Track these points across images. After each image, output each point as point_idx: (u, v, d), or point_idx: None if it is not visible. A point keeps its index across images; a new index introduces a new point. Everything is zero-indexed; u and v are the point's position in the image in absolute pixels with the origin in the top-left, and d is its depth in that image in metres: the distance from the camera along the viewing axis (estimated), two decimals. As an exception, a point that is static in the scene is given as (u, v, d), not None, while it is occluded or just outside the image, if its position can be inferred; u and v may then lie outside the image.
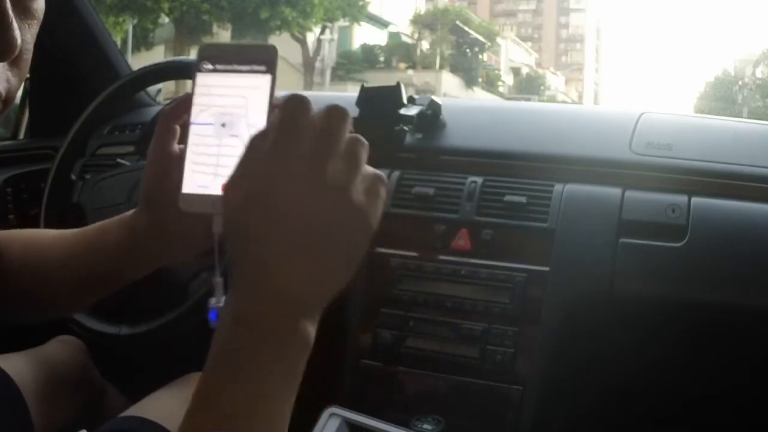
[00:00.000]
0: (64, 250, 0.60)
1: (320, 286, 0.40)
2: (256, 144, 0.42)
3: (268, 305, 0.39)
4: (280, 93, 0.49)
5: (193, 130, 0.51)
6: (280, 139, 0.40)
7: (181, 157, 0.52)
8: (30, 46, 0.39)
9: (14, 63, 0.38)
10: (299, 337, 0.39)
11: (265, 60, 0.50)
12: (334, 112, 0.41)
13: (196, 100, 0.52)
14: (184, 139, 0.52)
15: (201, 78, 0.52)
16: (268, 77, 0.50)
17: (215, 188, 0.50)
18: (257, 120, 0.50)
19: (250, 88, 0.50)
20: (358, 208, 0.40)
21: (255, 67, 0.50)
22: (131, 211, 0.58)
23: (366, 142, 0.42)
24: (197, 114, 0.51)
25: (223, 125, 0.51)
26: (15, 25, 0.34)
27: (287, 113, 0.41)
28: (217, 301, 0.52)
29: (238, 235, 0.40)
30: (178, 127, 0.55)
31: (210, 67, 0.52)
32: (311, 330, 0.40)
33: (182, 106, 0.53)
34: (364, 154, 0.42)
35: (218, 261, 0.54)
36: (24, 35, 0.37)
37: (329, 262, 0.40)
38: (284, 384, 0.39)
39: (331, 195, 0.39)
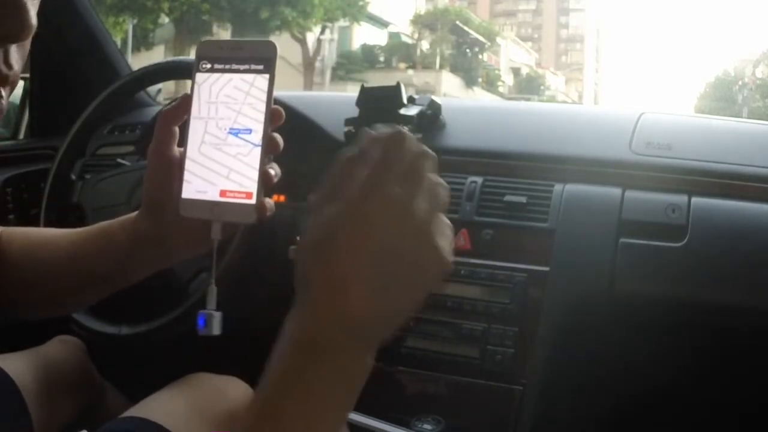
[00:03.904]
0: (68, 248, 0.60)
1: (388, 318, 0.40)
2: (351, 164, 0.42)
3: (337, 330, 0.39)
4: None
5: (192, 133, 0.50)
6: (380, 169, 0.41)
7: (181, 160, 0.51)
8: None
9: (20, 45, 0.38)
10: (361, 366, 0.40)
11: (263, 58, 0.49)
12: (424, 154, 0.43)
13: (195, 101, 0.51)
14: (183, 142, 0.51)
15: (200, 78, 0.51)
16: (265, 77, 0.49)
17: (214, 193, 0.49)
18: (255, 122, 0.49)
19: (248, 89, 0.49)
20: (437, 248, 0.41)
21: (253, 67, 0.49)
22: (134, 213, 0.57)
23: (446, 185, 0.43)
24: (196, 115, 0.51)
25: (222, 127, 0.50)
26: (29, 6, 0.35)
27: (392, 147, 0.42)
28: (210, 308, 0.51)
29: (318, 251, 0.40)
30: (177, 129, 0.54)
31: (208, 66, 0.51)
32: (371, 359, 0.40)
33: (181, 107, 0.52)
34: (446, 196, 0.43)
35: (214, 267, 0.53)
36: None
37: (402, 295, 0.40)
38: (340, 409, 0.40)
39: (416, 232, 0.40)
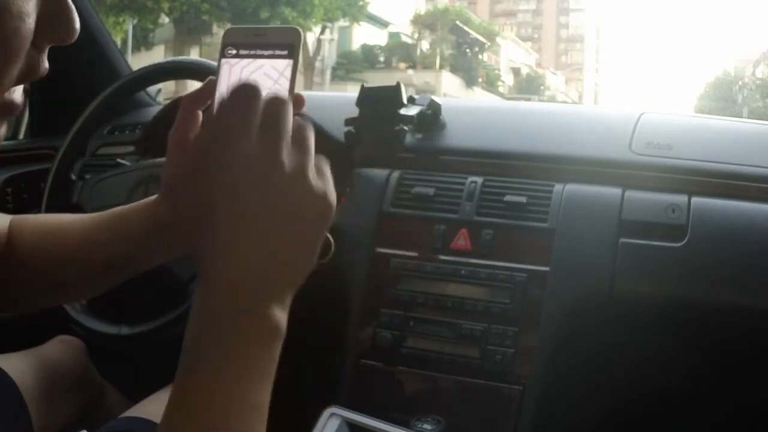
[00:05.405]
0: (81, 233, 0.59)
1: (281, 271, 0.40)
2: (210, 131, 0.43)
3: (224, 293, 0.39)
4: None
5: None
6: (232, 129, 0.41)
7: None
8: None
9: None
10: (262, 323, 0.39)
11: (287, 44, 0.50)
12: (276, 100, 0.42)
13: (220, 86, 0.51)
14: None
15: (225, 63, 0.51)
16: (289, 62, 0.50)
17: None
18: None
19: (271, 73, 0.50)
20: (317, 190, 0.41)
21: (277, 52, 0.50)
22: (153, 197, 0.57)
23: (311, 126, 0.43)
24: (220, 100, 0.52)
25: None
26: (45, 55, 0.36)
27: (238, 101, 0.42)
28: None
29: (197, 224, 0.41)
30: (200, 113, 0.54)
31: (234, 52, 0.51)
32: (279, 314, 0.40)
33: (205, 92, 0.53)
34: (312, 137, 0.43)
35: None
36: None
37: (289, 245, 0.40)
38: (253, 370, 0.39)
39: (288, 178, 0.40)
